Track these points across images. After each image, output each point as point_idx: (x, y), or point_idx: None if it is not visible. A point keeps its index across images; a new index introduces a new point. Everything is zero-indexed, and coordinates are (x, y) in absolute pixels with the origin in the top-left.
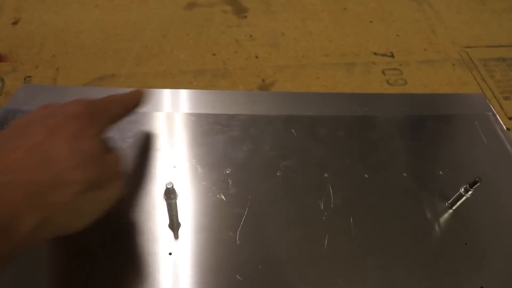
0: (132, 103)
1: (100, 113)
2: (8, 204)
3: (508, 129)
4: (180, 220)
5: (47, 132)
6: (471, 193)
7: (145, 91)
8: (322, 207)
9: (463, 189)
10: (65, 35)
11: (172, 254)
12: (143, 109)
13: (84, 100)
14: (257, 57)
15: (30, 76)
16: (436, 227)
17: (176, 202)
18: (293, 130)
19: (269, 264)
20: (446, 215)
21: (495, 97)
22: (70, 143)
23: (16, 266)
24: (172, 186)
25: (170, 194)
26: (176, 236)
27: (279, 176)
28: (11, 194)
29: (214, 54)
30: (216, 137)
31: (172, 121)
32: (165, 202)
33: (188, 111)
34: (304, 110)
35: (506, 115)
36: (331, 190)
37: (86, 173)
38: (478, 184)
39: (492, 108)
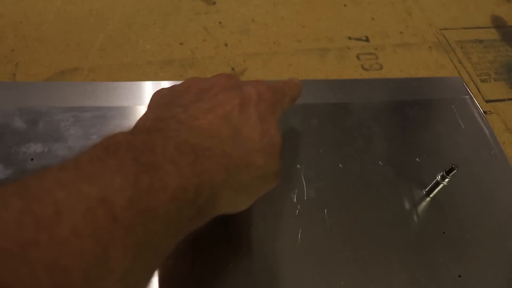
0: (297, 95)
1: (280, 102)
2: (211, 176)
3: (485, 112)
4: None
5: (239, 104)
6: (448, 180)
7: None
8: (295, 200)
9: (439, 177)
10: (24, 28)
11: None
12: (107, 103)
13: (270, 85)
14: (226, 45)
15: None
16: (414, 216)
17: None
18: None
19: (239, 261)
20: (423, 204)
21: (472, 80)
22: (260, 124)
23: None
24: None
25: None
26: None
27: None
28: (214, 165)
29: (181, 43)
30: None
31: (134, 115)
32: None
33: None
34: None
35: (483, 98)
36: (304, 182)
37: (268, 159)
38: (455, 171)
39: (469, 91)
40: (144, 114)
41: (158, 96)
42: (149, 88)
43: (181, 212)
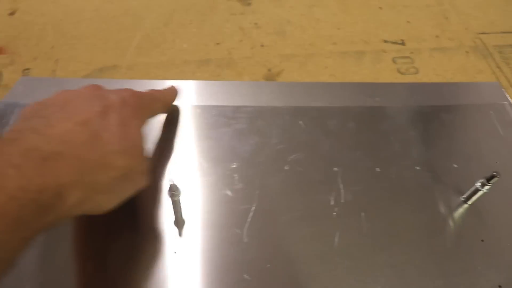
0: (170, 101)
1: (148, 108)
2: (58, 177)
3: None
4: (184, 217)
5: (99, 112)
6: (488, 188)
7: (177, 88)
8: (332, 203)
9: (479, 184)
10: (64, 26)
11: (176, 253)
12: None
13: (136, 91)
14: (262, 45)
15: (28, 69)
16: (451, 223)
17: (179, 199)
18: (301, 122)
19: (277, 262)
20: (461, 210)
21: (511, 86)
22: (121, 128)
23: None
24: (174, 183)
25: (173, 191)
26: (180, 234)
27: (287, 170)
28: (62, 167)
29: (218, 43)
30: (221, 130)
31: (176, 113)
32: (169, 199)
33: (192, 103)
34: (313, 101)
35: None
36: (341, 185)
37: (128, 160)
38: (496, 178)
39: (508, 97)
40: (11, 126)
41: (27, 109)
42: (186, 87)
43: (22, 210)
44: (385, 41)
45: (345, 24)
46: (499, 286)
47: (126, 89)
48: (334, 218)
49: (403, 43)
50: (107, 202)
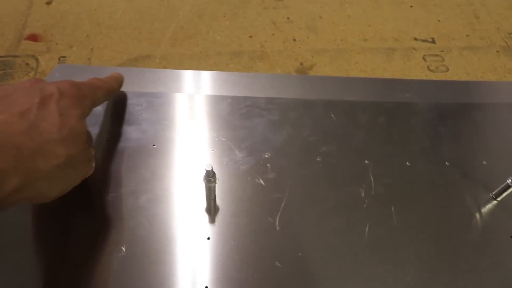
0: (113, 88)
1: (88, 97)
2: None
3: None
4: (218, 204)
5: (38, 103)
6: None
7: (121, 74)
8: (363, 195)
9: (510, 180)
10: (99, 15)
11: (210, 239)
12: (177, 91)
13: (75, 82)
14: (294, 40)
15: (64, 56)
16: (480, 219)
17: (215, 186)
18: (332, 115)
19: (308, 251)
20: (490, 206)
21: None
22: (60, 117)
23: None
24: (212, 169)
25: (210, 177)
26: (213, 221)
27: (319, 162)
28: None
29: (251, 36)
30: (254, 120)
31: (210, 103)
32: (202, 186)
33: (226, 94)
34: (344, 95)
35: None
36: (372, 178)
37: (69, 149)
38: None
39: None
40: None
41: None
42: (220, 78)
43: None
44: (416, 39)
45: (376, 21)
46: None
47: (65, 81)
48: (364, 210)
49: (433, 41)
50: (49, 189)
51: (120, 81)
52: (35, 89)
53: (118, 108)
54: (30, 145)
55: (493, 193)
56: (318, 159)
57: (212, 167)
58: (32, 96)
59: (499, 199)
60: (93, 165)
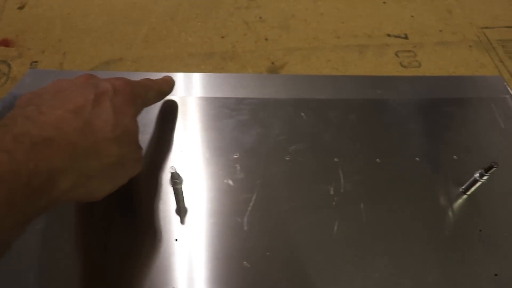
0: (165, 91)
1: (140, 96)
2: (50, 161)
3: None
4: (187, 205)
5: (93, 100)
6: (487, 178)
7: (173, 78)
8: (332, 192)
9: (478, 174)
10: (71, 19)
11: (178, 240)
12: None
13: (129, 80)
14: (266, 39)
15: (36, 61)
16: (450, 213)
17: (181, 187)
18: (303, 114)
19: (277, 250)
20: (460, 201)
21: None
22: (114, 115)
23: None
24: (176, 171)
25: (175, 180)
26: (182, 222)
27: (288, 161)
28: (53, 153)
29: (222, 37)
30: (224, 121)
31: (180, 105)
32: (171, 188)
33: (197, 95)
34: (315, 93)
35: None
36: (341, 175)
37: (121, 148)
38: (494, 169)
39: (510, 90)
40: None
41: (22, 98)
42: (191, 79)
43: (13, 193)
44: (389, 35)
45: (349, 18)
46: (495, 275)
47: (120, 78)
48: (334, 208)
49: (406, 37)
50: (100, 188)
51: (171, 84)
52: (89, 85)
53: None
54: (84, 144)
55: (463, 187)
56: (287, 158)
57: (175, 169)
58: (86, 92)
59: (468, 193)
60: (141, 166)
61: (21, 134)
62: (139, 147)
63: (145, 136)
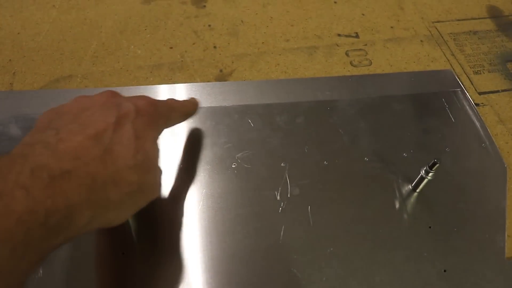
0: (190, 112)
1: (164, 117)
2: (68, 197)
3: (478, 104)
4: (133, 219)
5: (114, 123)
6: (432, 175)
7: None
8: (278, 198)
9: (423, 171)
10: (22, 38)
11: (125, 254)
12: None
13: (153, 100)
14: (215, 47)
15: None
16: (399, 212)
17: None
18: (249, 120)
19: (221, 260)
20: (409, 199)
21: (465, 72)
22: (134, 140)
23: None
24: None
25: None
26: (129, 235)
27: (233, 168)
28: (72, 187)
29: (171, 47)
30: (170, 131)
31: None
32: None
33: None
34: (261, 99)
35: (476, 90)
36: (288, 180)
37: (142, 176)
38: (438, 165)
39: (461, 84)
40: (24, 137)
41: (42, 118)
42: (138, 93)
43: (30, 234)
44: (339, 35)
45: (298, 20)
46: (444, 271)
47: (143, 97)
48: (280, 213)
49: (357, 36)
50: (118, 217)
51: (196, 106)
52: (112, 106)
53: None
54: (104, 173)
55: (412, 185)
56: (233, 165)
57: None
58: (108, 114)
59: (418, 190)
60: (160, 189)
61: (40, 167)
62: (158, 172)
63: None
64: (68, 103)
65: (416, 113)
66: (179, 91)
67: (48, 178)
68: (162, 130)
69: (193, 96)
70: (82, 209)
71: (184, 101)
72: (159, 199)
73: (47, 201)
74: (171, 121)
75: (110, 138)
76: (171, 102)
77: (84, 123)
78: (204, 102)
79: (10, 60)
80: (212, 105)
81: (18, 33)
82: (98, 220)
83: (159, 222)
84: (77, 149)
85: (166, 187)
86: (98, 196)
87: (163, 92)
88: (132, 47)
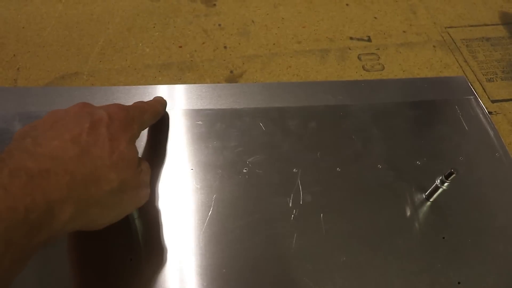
0: (159, 111)
1: (136, 120)
2: (47, 196)
3: (490, 112)
4: (141, 224)
5: (88, 128)
6: (448, 185)
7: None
8: (290, 205)
9: (439, 181)
10: (26, 33)
11: (132, 260)
12: None
13: (124, 105)
14: (225, 47)
15: None
16: (413, 221)
17: None
18: (261, 124)
19: (233, 267)
20: (423, 208)
21: (478, 80)
22: (110, 142)
23: None
24: None
25: None
26: (137, 241)
27: (245, 173)
28: (50, 185)
29: (180, 46)
30: (180, 133)
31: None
32: None
33: None
34: (273, 102)
35: (489, 98)
36: (300, 186)
37: (120, 173)
38: (454, 175)
39: (474, 91)
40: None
41: (18, 132)
42: (146, 92)
43: (10, 231)
44: (351, 38)
45: (310, 22)
46: (458, 283)
47: (114, 104)
48: (292, 221)
49: (369, 40)
50: (102, 216)
51: (164, 104)
52: (85, 114)
53: None
54: (83, 171)
55: (426, 194)
56: (244, 170)
57: None
58: (82, 121)
59: (431, 199)
60: (148, 192)
61: (18, 168)
62: (140, 173)
63: None
64: (43, 117)
65: (429, 120)
66: (189, 92)
67: (26, 178)
68: (138, 132)
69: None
70: (63, 205)
71: (152, 101)
72: (169, 205)
73: (27, 198)
74: (145, 123)
75: (86, 141)
76: (141, 105)
77: (60, 130)
78: (215, 104)
79: (14, 55)
80: (223, 107)
81: (23, 28)
82: (82, 218)
83: (168, 228)
84: (55, 150)
85: (176, 191)
86: (79, 192)
87: (172, 92)
88: (140, 44)
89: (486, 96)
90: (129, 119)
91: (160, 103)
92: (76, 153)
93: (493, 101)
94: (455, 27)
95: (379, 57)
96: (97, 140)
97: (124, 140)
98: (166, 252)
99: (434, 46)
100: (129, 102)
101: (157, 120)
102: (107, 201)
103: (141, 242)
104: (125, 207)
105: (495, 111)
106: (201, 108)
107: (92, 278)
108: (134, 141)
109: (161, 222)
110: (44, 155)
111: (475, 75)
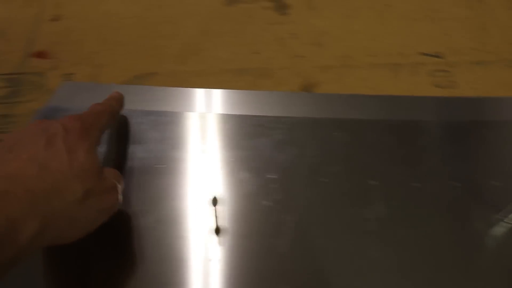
0: (116, 110)
1: (93, 126)
2: (7, 214)
3: None
4: (222, 226)
5: (44, 144)
6: None
7: (121, 93)
8: (368, 216)
9: None
10: (105, 32)
11: (212, 261)
12: (184, 109)
13: (77, 115)
14: (299, 56)
15: (70, 73)
16: (490, 242)
17: (216, 208)
18: (338, 134)
19: (312, 274)
20: (501, 229)
21: None
22: (68, 154)
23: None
24: (215, 197)
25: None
26: (217, 243)
27: (323, 183)
28: (10, 203)
29: (255, 53)
30: (259, 140)
31: (214, 122)
32: (209, 207)
33: (230, 112)
34: (350, 113)
35: None
36: (376, 199)
37: (83, 183)
38: None
39: None
40: None
41: None
42: (222, 96)
43: None
44: (422, 54)
45: (381, 35)
46: None
47: (68, 116)
48: (370, 233)
49: (440, 56)
50: (70, 228)
51: (120, 100)
52: (40, 131)
53: (123, 128)
54: (43, 187)
55: (503, 215)
56: (322, 179)
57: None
58: (37, 138)
59: (506, 220)
60: (118, 198)
61: None
62: (104, 180)
63: (181, 153)
64: (1, 142)
65: (505, 141)
66: (267, 98)
67: None
68: (98, 136)
69: (119, 94)
70: (26, 220)
71: (106, 100)
72: (252, 210)
73: None
74: (103, 126)
75: (43, 157)
76: (96, 108)
77: (18, 151)
78: (292, 112)
79: (93, 52)
80: (301, 115)
81: (102, 26)
82: (50, 232)
83: (250, 231)
84: (13, 171)
85: (261, 200)
86: (42, 207)
87: (250, 98)
88: (215, 49)
89: None
90: (85, 127)
91: (116, 99)
92: (35, 171)
93: None
94: None
95: (451, 74)
96: (55, 154)
97: (83, 149)
98: (245, 255)
99: (506, 66)
100: (206, 105)
101: (116, 119)
102: (73, 212)
103: (221, 245)
104: (94, 217)
105: None
106: (279, 115)
107: (172, 278)
108: (94, 148)
109: (242, 227)
110: (2, 177)
111: None
